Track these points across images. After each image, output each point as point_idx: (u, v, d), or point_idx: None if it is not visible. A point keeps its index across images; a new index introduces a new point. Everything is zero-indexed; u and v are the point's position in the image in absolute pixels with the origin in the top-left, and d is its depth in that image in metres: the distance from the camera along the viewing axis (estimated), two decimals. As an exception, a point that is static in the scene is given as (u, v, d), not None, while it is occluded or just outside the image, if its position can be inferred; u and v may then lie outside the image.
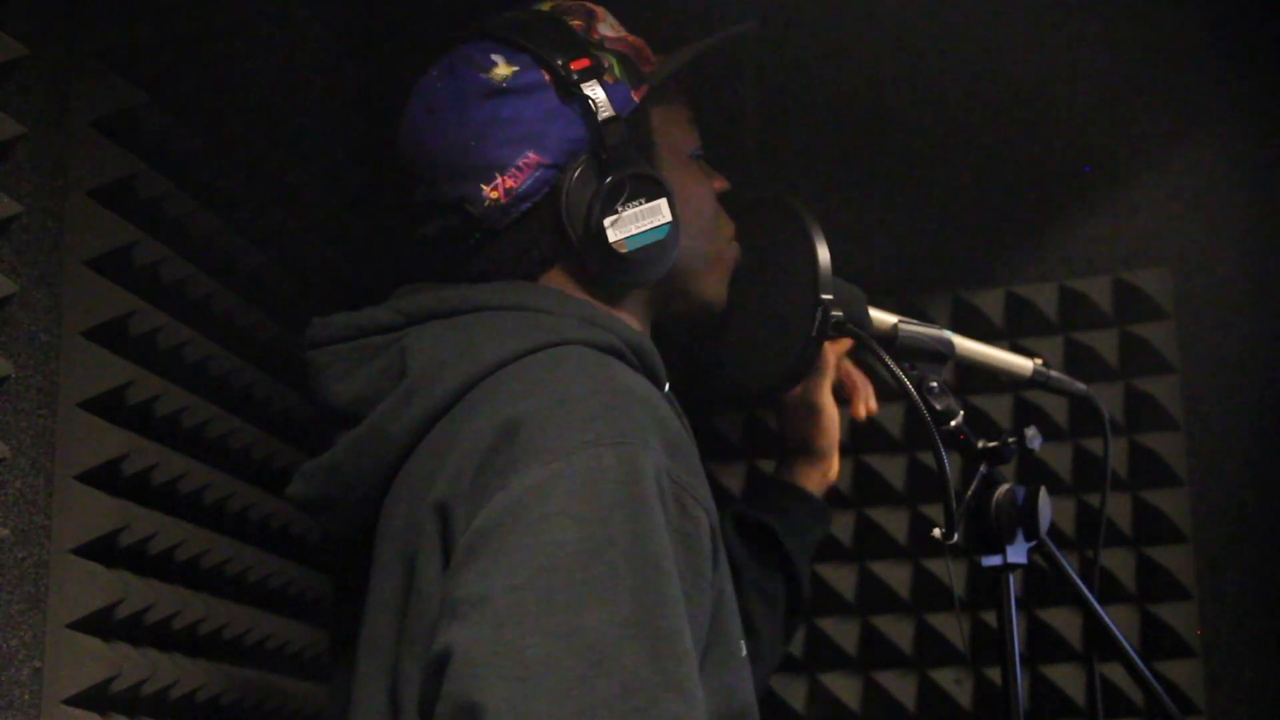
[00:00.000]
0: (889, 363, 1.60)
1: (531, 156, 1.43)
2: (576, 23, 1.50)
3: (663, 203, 1.44)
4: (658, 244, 1.43)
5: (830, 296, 1.58)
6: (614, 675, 1.13)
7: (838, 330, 1.59)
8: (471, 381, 1.32)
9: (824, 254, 1.59)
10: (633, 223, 1.42)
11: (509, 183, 1.43)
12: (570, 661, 1.13)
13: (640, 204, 1.42)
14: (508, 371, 1.31)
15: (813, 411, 1.75)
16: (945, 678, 2.81)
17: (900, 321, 1.68)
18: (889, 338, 1.66)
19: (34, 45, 1.71)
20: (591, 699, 1.12)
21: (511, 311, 1.39)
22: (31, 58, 1.71)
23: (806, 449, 1.77)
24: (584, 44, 1.47)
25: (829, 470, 1.79)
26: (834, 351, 1.76)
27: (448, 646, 1.17)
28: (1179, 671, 2.67)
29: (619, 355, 1.37)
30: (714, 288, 1.57)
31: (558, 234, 1.43)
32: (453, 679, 1.15)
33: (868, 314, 1.66)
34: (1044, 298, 2.85)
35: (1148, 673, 1.71)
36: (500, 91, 1.45)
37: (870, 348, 1.60)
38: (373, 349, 1.40)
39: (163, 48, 2.00)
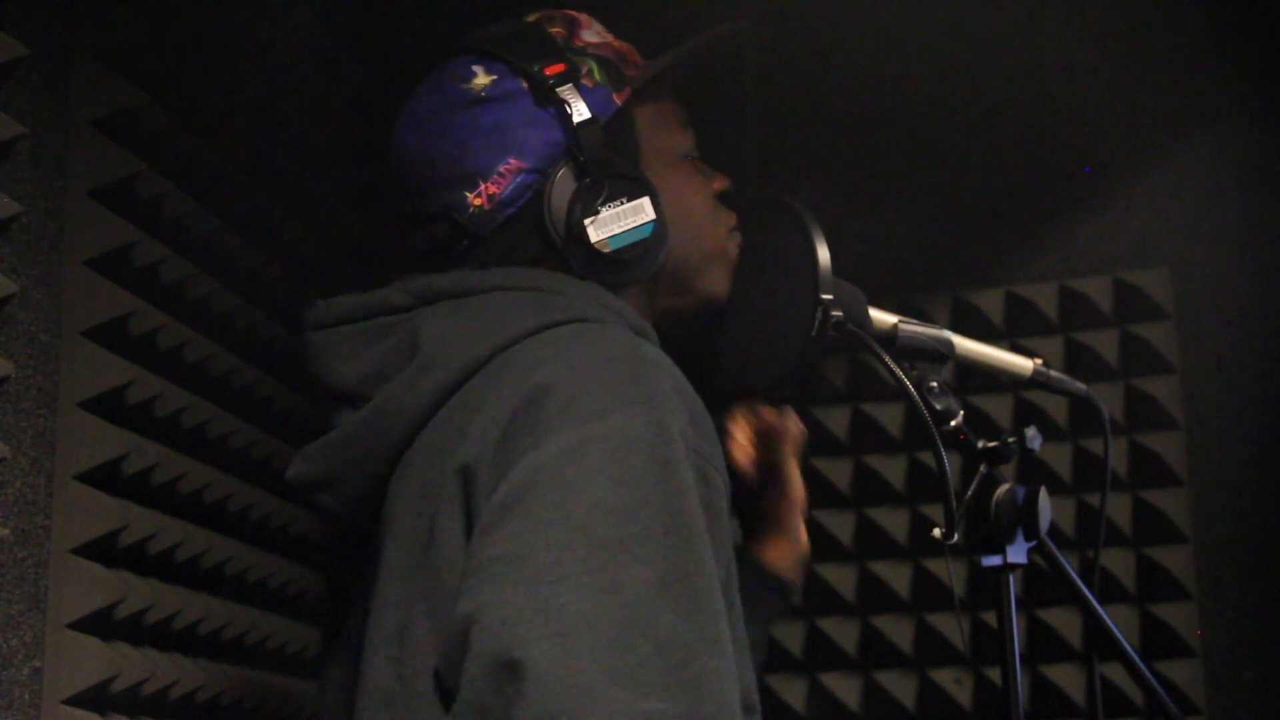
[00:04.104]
0: (889, 363, 1.60)
1: (512, 162, 1.45)
2: (557, 30, 1.53)
3: (644, 202, 1.45)
4: (641, 243, 1.45)
5: (830, 296, 1.58)
6: (650, 633, 1.15)
7: (838, 330, 1.59)
8: (489, 354, 1.33)
9: (824, 254, 1.59)
10: (614, 222, 1.44)
11: (492, 189, 1.45)
12: (608, 619, 1.15)
13: (621, 204, 1.45)
14: (528, 344, 1.33)
15: (780, 482, 1.71)
16: (945, 678, 2.82)
17: (900, 321, 1.68)
18: (889, 338, 1.66)
19: (34, 45, 1.71)
20: (630, 656, 1.13)
21: (526, 292, 1.41)
22: (31, 58, 1.71)
23: (773, 522, 1.70)
24: (560, 50, 1.50)
25: (797, 545, 1.70)
26: (795, 424, 1.72)
27: (479, 605, 1.18)
28: (1179, 671, 2.68)
29: (637, 332, 1.39)
30: (714, 282, 1.58)
31: (542, 237, 1.45)
32: (486, 637, 1.16)
33: (868, 314, 1.65)
34: (1044, 298, 2.86)
35: (1148, 673, 1.71)
36: (480, 100, 1.48)
37: (870, 348, 1.60)
38: (381, 329, 1.41)
39: (163, 48, 2.00)
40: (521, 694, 1.12)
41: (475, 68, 1.49)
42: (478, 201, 1.45)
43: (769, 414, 1.72)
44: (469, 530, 1.25)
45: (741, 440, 1.72)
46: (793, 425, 1.71)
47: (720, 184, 1.60)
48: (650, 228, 1.45)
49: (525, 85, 1.47)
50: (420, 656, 1.26)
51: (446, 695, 1.22)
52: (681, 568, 1.18)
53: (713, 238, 1.57)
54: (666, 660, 1.14)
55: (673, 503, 1.21)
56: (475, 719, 1.15)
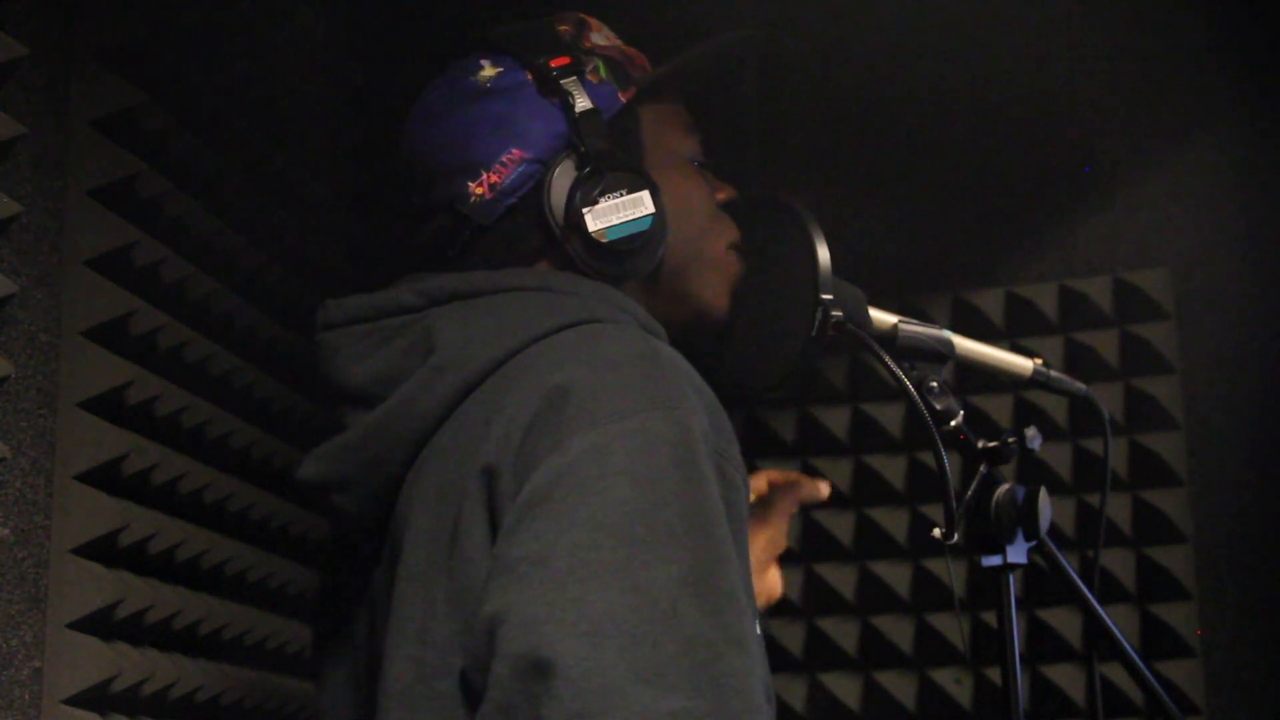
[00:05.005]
0: (889, 363, 1.60)
1: (515, 152, 1.46)
2: (565, 29, 1.54)
3: (644, 195, 1.46)
4: (639, 235, 1.45)
5: (830, 296, 1.58)
6: (677, 631, 1.15)
7: (838, 330, 1.59)
8: (505, 355, 1.34)
9: (824, 254, 1.59)
10: (613, 213, 1.44)
11: (494, 178, 1.46)
12: (634, 618, 1.15)
13: (620, 195, 1.45)
14: (544, 345, 1.33)
15: (766, 527, 1.71)
16: (945, 678, 2.82)
17: (900, 321, 1.68)
18: (889, 338, 1.66)
19: (34, 45, 1.71)
20: (656, 655, 1.14)
21: (537, 293, 1.41)
22: (31, 58, 1.71)
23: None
24: (567, 45, 1.51)
25: (769, 584, 1.72)
26: (813, 490, 1.73)
27: (505, 605, 1.18)
28: (1179, 671, 2.67)
29: (648, 331, 1.39)
30: (712, 291, 1.57)
31: (543, 227, 1.46)
32: (513, 637, 1.16)
33: (868, 314, 1.66)
34: (1044, 298, 2.86)
35: (1148, 673, 1.71)
36: (485, 92, 1.49)
37: (870, 348, 1.61)
38: (393, 329, 1.41)
39: (163, 48, 2.00)
40: (550, 693, 1.13)
41: (483, 61, 1.51)
42: (479, 190, 1.46)
43: (790, 476, 1.74)
44: (493, 532, 1.25)
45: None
46: (807, 491, 1.73)
47: (725, 194, 1.60)
48: (649, 221, 1.45)
49: (530, 78, 1.48)
50: (443, 657, 1.26)
51: (473, 696, 1.22)
52: (705, 566, 1.19)
53: (713, 244, 1.57)
54: (692, 658, 1.14)
55: (694, 501, 1.21)
56: (503, 719, 1.16)
